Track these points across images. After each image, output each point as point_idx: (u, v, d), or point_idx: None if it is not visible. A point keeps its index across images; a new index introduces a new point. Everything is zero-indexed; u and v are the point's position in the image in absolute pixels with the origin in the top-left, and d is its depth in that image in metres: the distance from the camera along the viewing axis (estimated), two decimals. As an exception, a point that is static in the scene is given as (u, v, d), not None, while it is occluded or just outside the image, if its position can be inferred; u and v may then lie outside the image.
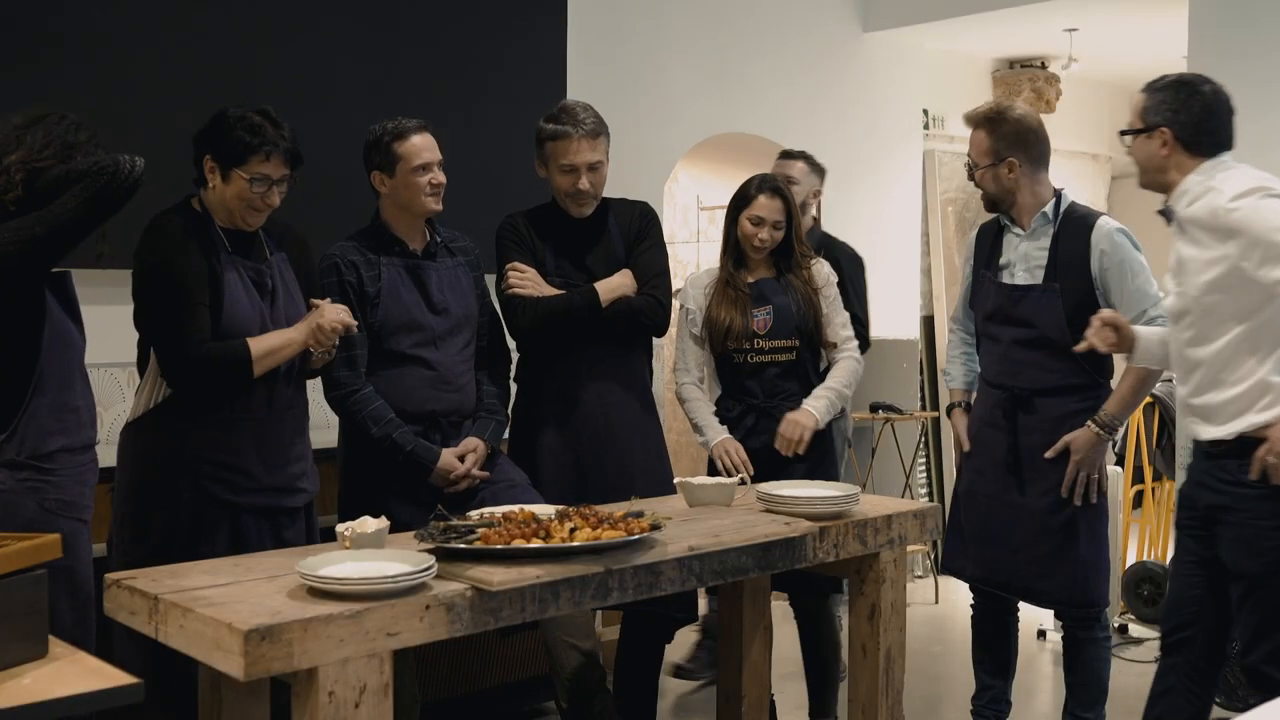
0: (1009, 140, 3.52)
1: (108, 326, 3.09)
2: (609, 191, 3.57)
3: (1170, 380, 5.17)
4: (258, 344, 2.83)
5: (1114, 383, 3.58)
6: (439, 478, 3.20)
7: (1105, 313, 3.16)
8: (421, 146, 3.24)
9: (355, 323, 2.99)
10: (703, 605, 4.40)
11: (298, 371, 3.00)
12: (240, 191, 2.84)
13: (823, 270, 3.75)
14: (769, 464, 3.58)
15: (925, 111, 6.81)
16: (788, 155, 4.53)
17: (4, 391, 2.48)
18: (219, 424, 2.84)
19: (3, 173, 2.46)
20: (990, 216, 3.77)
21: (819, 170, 4.47)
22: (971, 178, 3.64)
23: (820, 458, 3.67)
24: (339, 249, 3.26)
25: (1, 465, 2.45)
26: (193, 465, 2.82)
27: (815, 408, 3.62)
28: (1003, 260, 3.61)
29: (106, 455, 2.89)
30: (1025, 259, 3.55)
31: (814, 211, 4.57)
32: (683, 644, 4.83)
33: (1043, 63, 7.24)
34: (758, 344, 3.65)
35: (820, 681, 3.86)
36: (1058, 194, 3.58)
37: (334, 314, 2.93)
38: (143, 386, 2.90)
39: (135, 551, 2.78)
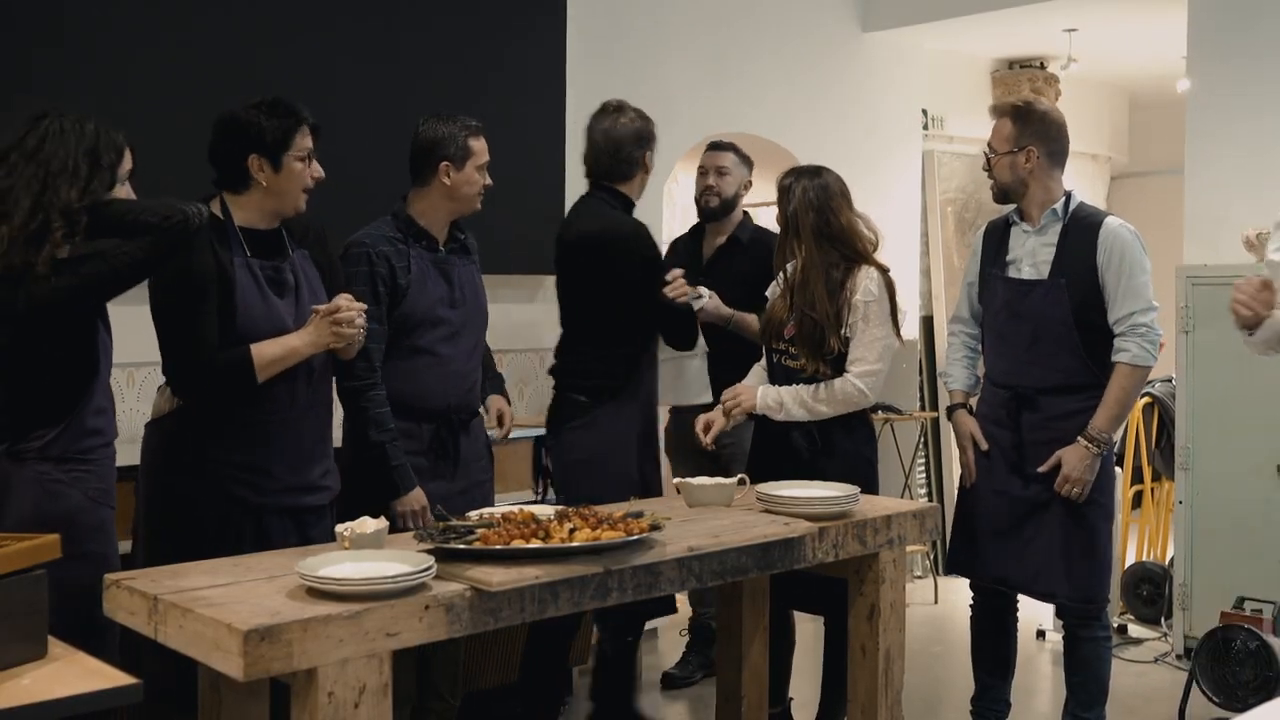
0: (1032, 130, 3.54)
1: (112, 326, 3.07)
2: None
3: (1170, 380, 5.18)
4: (260, 353, 2.81)
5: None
6: (404, 504, 3.17)
7: (1262, 278, 2.98)
8: (485, 146, 3.37)
9: (363, 306, 2.97)
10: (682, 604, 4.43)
11: (320, 368, 2.98)
12: (296, 173, 2.89)
13: (862, 284, 3.50)
14: (784, 476, 3.41)
15: (925, 112, 6.81)
16: (717, 146, 4.46)
17: (61, 395, 2.58)
18: (241, 425, 2.84)
19: (66, 215, 2.52)
20: (997, 215, 3.79)
21: (748, 162, 4.44)
22: (987, 167, 3.63)
23: (841, 478, 3.40)
24: (369, 238, 3.26)
25: (49, 459, 2.55)
26: (215, 467, 2.82)
27: (765, 395, 3.53)
28: (1010, 256, 3.62)
29: (130, 453, 2.94)
30: (1032, 254, 3.57)
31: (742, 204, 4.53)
32: (670, 651, 4.84)
33: (1042, 63, 7.24)
34: (788, 348, 3.57)
35: (840, 692, 3.80)
36: (1068, 194, 3.59)
37: (348, 306, 2.90)
38: (164, 386, 2.91)
39: (160, 549, 2.78)
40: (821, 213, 3.53)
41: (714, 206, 4.32)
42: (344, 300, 2.89)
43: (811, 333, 3.49)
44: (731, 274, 4.20)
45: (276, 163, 2.86)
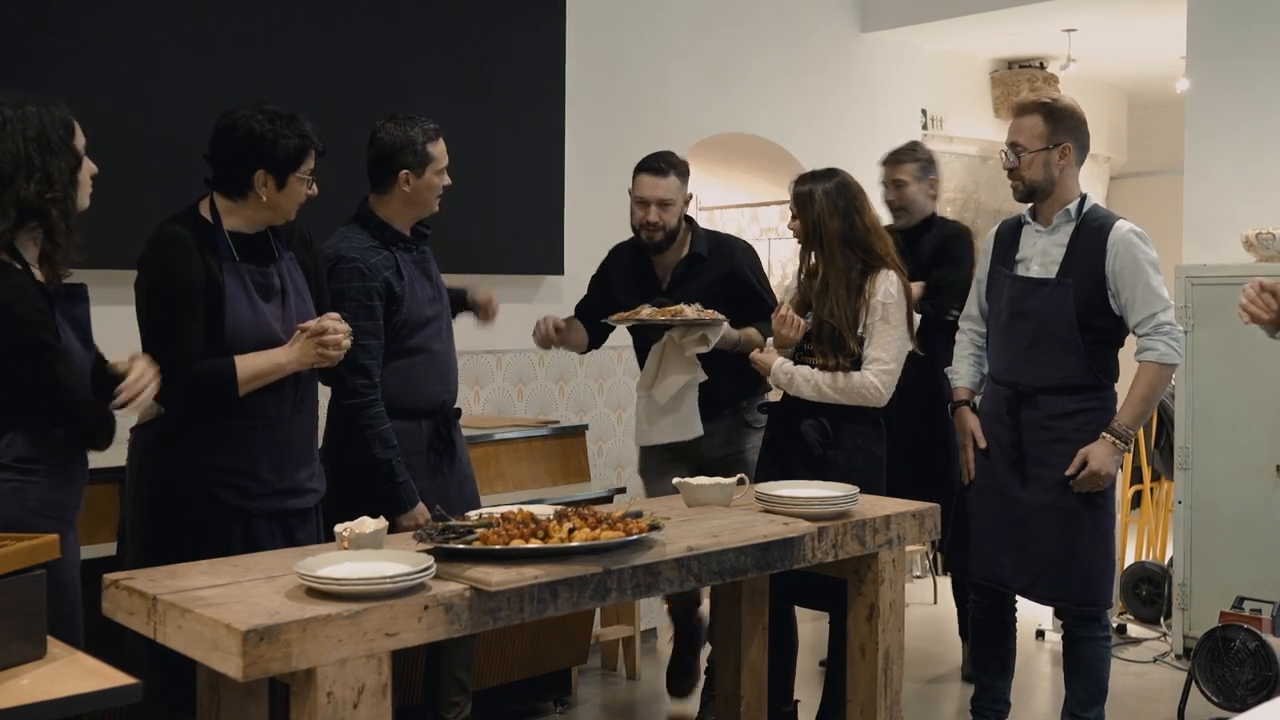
0: (1065, 127, 3.53)
1: (99, 327, 3.07)
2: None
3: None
4: (244, 367, 2.79)
5: (1119, 386, 3.59)
6: (407, 519, 3.17)
7: (1267, 280, 2.97)
8: (444, 149, 3.35)
9: (348, 328, 2.95)
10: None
11: (307, 373, 2.96)
12: (296, 192, 2.87)
13: (882, 287, 3.51)
14: (791, 467, 3.49)
15: (924, 112, 6.82)
16: (655, 170, 3.89)
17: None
18: (227, 430, 2.82)
19: (35, 213, 2.43)
20: (1010, 215, 3.79)
21: (686, 174, 3.96)
22: (1012, 165, 3.56)
23: (847, 469, 3.49)
24: (357, 251, 3.23)
25: None
26: (203, 472, 2.80)
27: (781, 366, 3.54)
28: (1019, 255, 3.62)
29: (114, 455, 2.89)
30: (1043, 254, 3.57)
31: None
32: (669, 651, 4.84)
33: (1041, 63, 7.25)
34: (804, 345, 3.57)
35: (842, 692, 3.79)
36: (1083, 196, 3.59)
37: (335, 328, 2.87)
38: None
39: (148, 554, 2.77)
40: (847, 216, 3.53)
41: (658, 241, 3.89)
42: (330, 321, 2.87)
43: (831, 337, 3.50)
44: (701, 290, 3.88)
45: (282, 181, 2.84)
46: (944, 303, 4.28)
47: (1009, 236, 3.69)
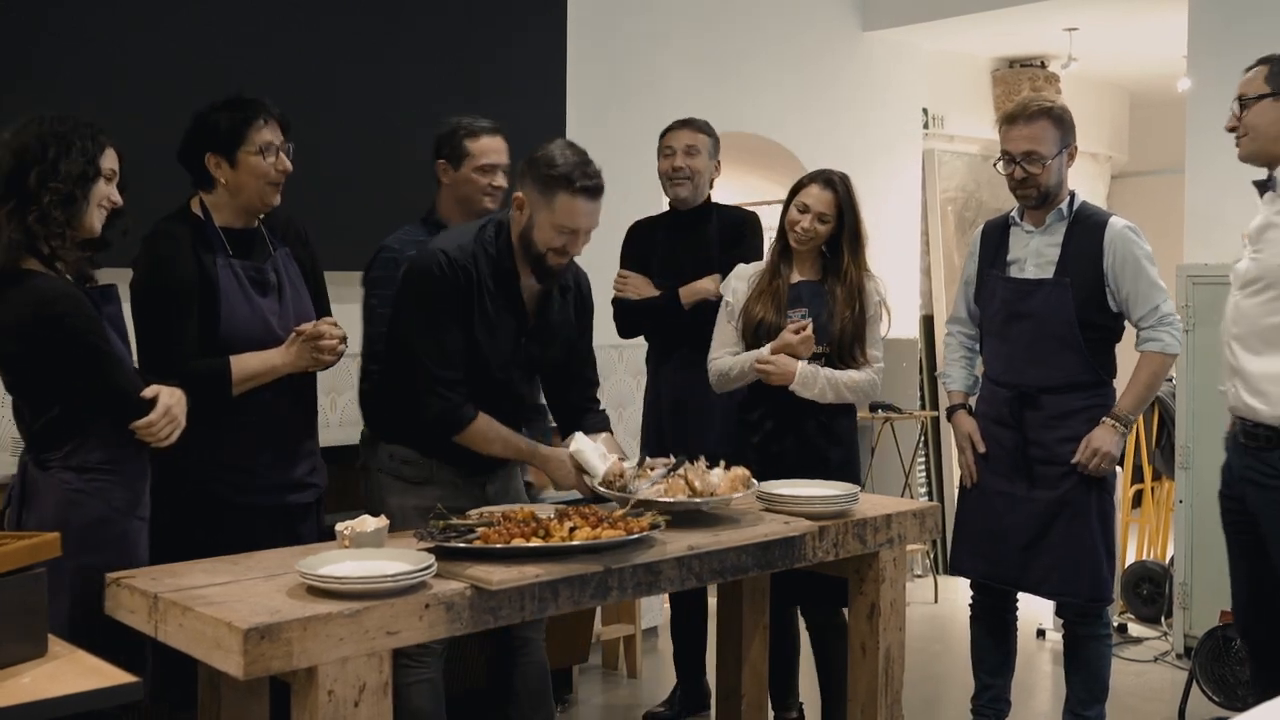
0: (1067, 128, 3.54)
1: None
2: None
3: (1171, 380, 5.18)
4: (240, 367, 2.79)
5: (1118, 382, 3.59)
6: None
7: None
8: (489, 147, 3.33)
9: (343, 332, 2.94)
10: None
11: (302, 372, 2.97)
12: (255, 168, 2.83)
13: (875, 286, 3.55)
14: (792, 467, 3.41)
15: (925, 111, 6.82)
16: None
17: (74, 410, 2.51)
18: (223, 425, 2.82)
19: (33, 199, 2.46)
20: (996, 214, 3.78)
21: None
22: (1026, 174, 3.50)
23: (844, 464, 3.53)
24: (398, 243, 3.26)
25: (69, 468, 2.49)
26: (199, 467, 2.80)
27: (805, 369, 3.42)
28: (1011, 256, 3.62)
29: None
30: (1037, 254, 3.56)
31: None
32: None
33: (1042, 62, 7.25)
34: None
35: (835, 694, 3.71)
36: (1072, 193, 3.59)
37: (330, 332, 2.88)
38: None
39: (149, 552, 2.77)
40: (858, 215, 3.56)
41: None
42: (326, 325, 2.87)
43: (851, 339, 3.49)
44: (569, 323, 3.19)
45: (232, 159, 2.83)
46: None
47: (996, 237, 3.68)
